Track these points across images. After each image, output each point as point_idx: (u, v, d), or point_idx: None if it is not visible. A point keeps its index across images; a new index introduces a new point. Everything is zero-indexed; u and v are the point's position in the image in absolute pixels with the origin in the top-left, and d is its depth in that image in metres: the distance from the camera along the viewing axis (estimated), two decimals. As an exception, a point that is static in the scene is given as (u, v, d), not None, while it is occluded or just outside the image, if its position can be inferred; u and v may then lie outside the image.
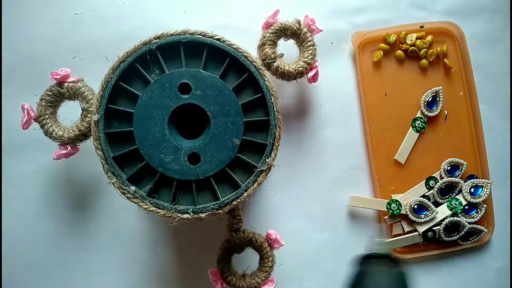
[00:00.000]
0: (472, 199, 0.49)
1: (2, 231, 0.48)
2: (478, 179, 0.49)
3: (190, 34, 0.38)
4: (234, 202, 0.38)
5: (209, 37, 0.39)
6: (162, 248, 0.49)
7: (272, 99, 0.39)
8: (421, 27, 0.50)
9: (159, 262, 0.49)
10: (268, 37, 0.44)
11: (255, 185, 0.38)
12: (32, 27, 0.49)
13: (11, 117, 0.48)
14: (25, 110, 0.41)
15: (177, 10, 0.50)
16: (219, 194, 0.38)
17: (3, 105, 0.49)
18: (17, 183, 0.49)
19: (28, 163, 0.49)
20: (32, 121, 0.42)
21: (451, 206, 0.49)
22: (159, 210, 0.37)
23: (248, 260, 0.44)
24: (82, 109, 0.42)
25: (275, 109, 0.39)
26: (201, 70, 0.38)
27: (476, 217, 0.49)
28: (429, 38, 0.50)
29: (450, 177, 0.49)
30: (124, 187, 0.37)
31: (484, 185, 0.49)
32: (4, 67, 0.49)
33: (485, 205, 0.49)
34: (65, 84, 0.42)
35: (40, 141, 0.45)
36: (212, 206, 0.38)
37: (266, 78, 0.39)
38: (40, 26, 0.49)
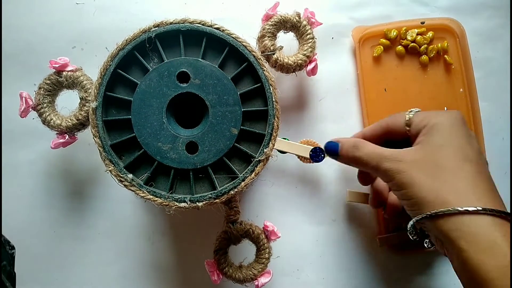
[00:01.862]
0: None
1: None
2: None
3: (190, 22, 0.39)
4: (232, 192, 0.38)
5: (208, 26, 0.39)
6: (159, 238, 0.49)
7: (271, 89, 0.39)
8: (422, 23, 0.50)
9: (156, 253, 0.49)
10: (268, 29, 0.44)
11: (253, 175, 0.38)
12: (32, 16, 0.49)
13: (9, 106, 0.48)
14: (23, 98, 0.41)
15: (177, 1, 0.51)
16: (216, 184, 0.38)
17: (2, 94, 0.49)
18: (15, 172, 0.48)
19: (26, 152, 0.49)
20: (30, 109, 0.42)
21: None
22: (156, 199, 0.37)
23: (245, 251, 0.44)
24: (80, 98, 0.41)
25: (273, 99, 0.39)
26: (200, 59, 0.38)
27: None
28: (430, 34, 0.50)
29: None
30: (121, 175, 0.37)
31: None
32: (4, 55, 0.49)
33: None
34: (64, 73, 0.42)
35: (38, 130, 0.45)
36: (210, 196, 0.37)
37: (265, 68, 0.39)
38: (41, 15, 0.49)
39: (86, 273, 0.48)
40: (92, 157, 0.48)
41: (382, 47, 0.50)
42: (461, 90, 0.50)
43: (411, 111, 0.39)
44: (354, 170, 0.50)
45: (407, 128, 0.38)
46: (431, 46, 0.50)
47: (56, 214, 0.48)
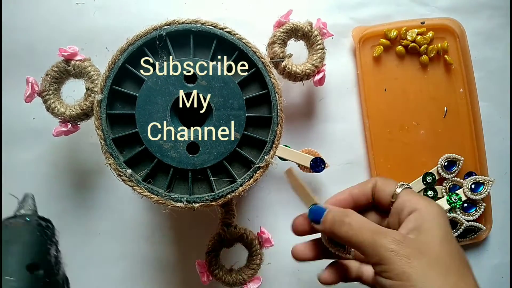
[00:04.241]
0: (472, 196, 0.48)
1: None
2: (480, 176, 0.49)
3: (201, 24, 0.39)
4: (229, 196, 0.38)
5: (219, 29, 0.39)
6: (160, 239, 0.49)
7: (277, 96, 0.39)
8: (422, 23, 0.50)
9: (156, 254, 0.49)
10: (279, 36, 0.44)
11: (251, 181, 0.38)
12: (32, 17, 0.49)
13: (9, 106, 0.48)
14: (30, 83, 0.41)
15: (178, 1, 0.50)
16: (214, 186, 0.38)
17: (2, 94, 0.48)
18: (15, 172, 0.48)
19: (26, 152, 0.48)
20: (36, 95, 0.42)
21: (451, 201, 0.49)
22: (153, 196, 0.37)
23: (237, 255, 0.44)
24: (86, 88, 0.41)
25: (278, 107, 0.39)
26: (208, 61, 0.38)
27: (475, 215, 0.49)
28: (430, 34, 0.50)
29: (447, 173, 0.50)
30: (120, 169, 0.37)
31: (485, 182, 0.49)
32: (4, 55, 0.48)
33: (484, 204, 0.49)
34: (72, 62, 0.42)
35: (38, 131, 0.46)
36: (207, 198, 0.37)
37: (272, 75, 0.39)
38: (41, 15, 0.49)
39: (86, 274, 0.48)
40: (92, 158, 0.48)
41: (382, 47, 0.50)
42: (461, 90, 0.51)
43: (403, 184, 0.35)
44: (353, 169, 0.50)
45: (392, 200, 0.34)
46: (431, 46, 0.50)
47: (56, 214, 0.47)
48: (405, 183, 0.35)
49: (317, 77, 0.45)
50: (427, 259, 0.29)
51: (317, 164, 0.44)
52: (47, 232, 0.31)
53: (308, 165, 0.44)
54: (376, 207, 0.37)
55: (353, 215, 0.33)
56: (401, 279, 0.28)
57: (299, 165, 0.46)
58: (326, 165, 0.45)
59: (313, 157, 0.44)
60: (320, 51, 0.45)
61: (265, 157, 0.38)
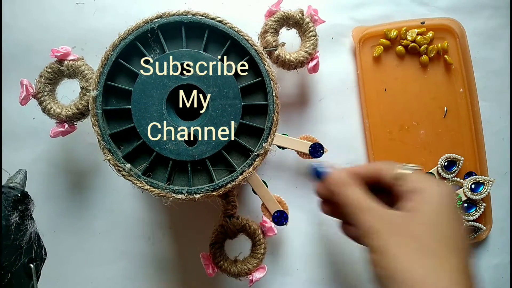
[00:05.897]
0: (472, 196, 0.48)
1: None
2: (480, 176, 0.49)
3: (192, 15, 0.39)
4: (229, 185, 0.38)
5: (210, 19, 0.39)
6: (160, 238, 0.49)
7: (272, 83, 0.39)
8: (422, 23, 0.50)
9: (157, 250, 0.49)
10: (271, 25, 0.44)
11: (251, 169, 0.38)
12: (32, 17, 0.49)
13: (9, 106, 0.48)
14: (24, 86, 0.41)
15: (177, 2, 0.50)
16: (214, 177, 0.38)
17: (2, 94, 0.48)
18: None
19: (26, 152, 0.48)
20: (31, 97, 0.42)
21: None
22: (153, 189, 0.37)
23: (241, 246, 0.44)
24: (81, 87, 0.41)
25: (274, 94, 0.39)
26: (201, 52, 0.38)
27: (475, 215, 0.49)
28: (430, 34, 0.50)
29: (447, 173, 0.49)
30: (119, 165, 0.37)
31: (485, 182, 0.49)
32: (4, 56, 0.48)
33: (484, 204, 0.49)
34: (65, 62, 0.42)
35: (38, 131, 0.46)
36: (207, 188, 0.37)
37: (266, 63, 0.39)
38: (41, 15, 0.49)
39: (87, 274, 0.48)
40: (91, 158, 0.48)
41: (382, 47, 0.50)
42: (461, 90, 0.50)
43: (404, 165, 0.35)
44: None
45: (398, 183, 0.34)
46: (431, 46, 0.50)
47: (55, 214, 0.48)
48: (409, 165, 0.35)
49: (311, 64, 0.45)
50: (404, 238, 0.30)
51: (316, 150, 0.44)
52: (8, 200, 0.33)
53: (307, 151, 0.44)
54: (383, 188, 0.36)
55: (352, 186, 0.35)
56: (378, 253, 0.30)
57: (298, 152, 0.46)
58: (324, 150, 0.45)
59: (311, 143, 0.44)
60: (313, 38, 0.45)
61: (263, 145, 0.38)
